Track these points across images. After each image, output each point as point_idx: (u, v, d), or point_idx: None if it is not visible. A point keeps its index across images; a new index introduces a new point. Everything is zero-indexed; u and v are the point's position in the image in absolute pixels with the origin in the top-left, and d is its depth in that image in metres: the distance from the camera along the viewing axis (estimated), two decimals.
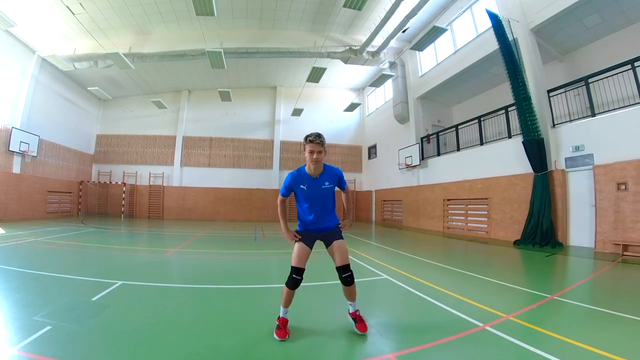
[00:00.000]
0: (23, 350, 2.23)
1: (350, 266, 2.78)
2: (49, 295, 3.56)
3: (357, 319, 2.79)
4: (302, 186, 2.76)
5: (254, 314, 3.25)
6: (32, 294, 3.60)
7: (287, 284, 2.73)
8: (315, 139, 2.64)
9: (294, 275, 2.70)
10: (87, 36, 12.92)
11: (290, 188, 2.81)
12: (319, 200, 2.81)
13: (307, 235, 2.85)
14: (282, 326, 2.66)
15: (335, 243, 2.81)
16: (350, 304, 2.86)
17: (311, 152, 2.65)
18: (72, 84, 17.12)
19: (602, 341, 2.54)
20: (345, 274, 2.74)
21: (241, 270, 5.64)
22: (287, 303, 2.74)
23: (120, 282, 4.18)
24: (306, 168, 2.77)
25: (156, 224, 15.19)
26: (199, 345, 2.47)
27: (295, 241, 2.85)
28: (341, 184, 2.90)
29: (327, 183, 2.78)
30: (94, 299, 3.51)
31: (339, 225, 2.96)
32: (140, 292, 3.95)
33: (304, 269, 2.76)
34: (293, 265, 2.75)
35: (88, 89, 16.73)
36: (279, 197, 2.92)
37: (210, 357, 2.32)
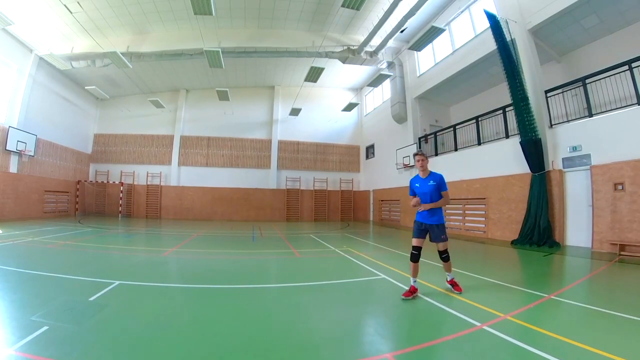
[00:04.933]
0: (20, 350, 2.23)
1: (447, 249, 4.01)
2: (46, 295, 3.55)
3: (454, 284, 3.98)
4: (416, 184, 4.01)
5: (252, 314, 3.25)
6: (29, 294, 3.59)
7: (410, 259, 3.84)
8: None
9: (413, 252, 3.88)
10: (84, 35, 12.88)
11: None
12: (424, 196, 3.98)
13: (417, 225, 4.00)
14: (412, 290, 3.72)
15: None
16: (448, 274, 4.07)
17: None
18: (70, 83, 17.06)
19: (599, 340, 2.56)
20: (444, 255, 4.02)
21: (239, 270, 5.63)
22: (414, 274, 3.83)
23: (117, 282, 4.17)
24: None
25: (154, 223, 15.14)
26: (196, 345, 2.47)
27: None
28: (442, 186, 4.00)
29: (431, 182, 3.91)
30: (92, 298, 3.50)
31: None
32: (138, 292, 3.94)
33: (420, 247, 3.88)
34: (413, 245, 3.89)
35: (85, 88, 16.62)
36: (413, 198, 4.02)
37: (209, 357, 2.31)
